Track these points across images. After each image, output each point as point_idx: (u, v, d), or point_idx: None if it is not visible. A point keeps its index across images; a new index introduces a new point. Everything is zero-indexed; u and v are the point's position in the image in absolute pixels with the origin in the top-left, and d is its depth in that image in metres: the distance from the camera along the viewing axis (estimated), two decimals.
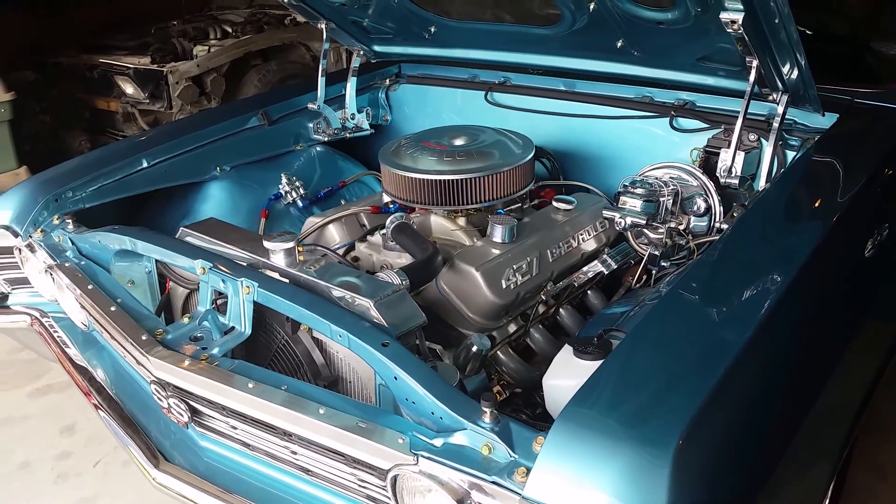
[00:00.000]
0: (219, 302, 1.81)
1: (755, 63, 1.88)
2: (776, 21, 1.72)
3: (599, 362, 1.44)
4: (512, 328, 2.06)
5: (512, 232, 2.06)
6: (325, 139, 2.92)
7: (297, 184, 2.72)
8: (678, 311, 1.43)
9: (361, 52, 2.95)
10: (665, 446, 1.09)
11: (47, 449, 2.90)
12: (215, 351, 1.64)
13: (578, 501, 1.10)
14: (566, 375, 1.47)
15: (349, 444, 1.37)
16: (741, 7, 1.66)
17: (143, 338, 1.68)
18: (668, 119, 2.42)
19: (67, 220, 2.18)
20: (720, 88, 2.22)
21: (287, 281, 1.72)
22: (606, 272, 2.24)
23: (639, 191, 2.07)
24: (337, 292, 1.66)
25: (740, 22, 1.69)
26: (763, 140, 2.23)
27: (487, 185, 2.14)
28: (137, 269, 2.09)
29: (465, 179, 2.13)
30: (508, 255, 2.02)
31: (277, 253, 1.79)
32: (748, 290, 1.46)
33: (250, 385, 1.50)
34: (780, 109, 2.02)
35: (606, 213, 2.11)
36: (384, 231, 2.19)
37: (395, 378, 1.40)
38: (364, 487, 1.47)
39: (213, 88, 5.18)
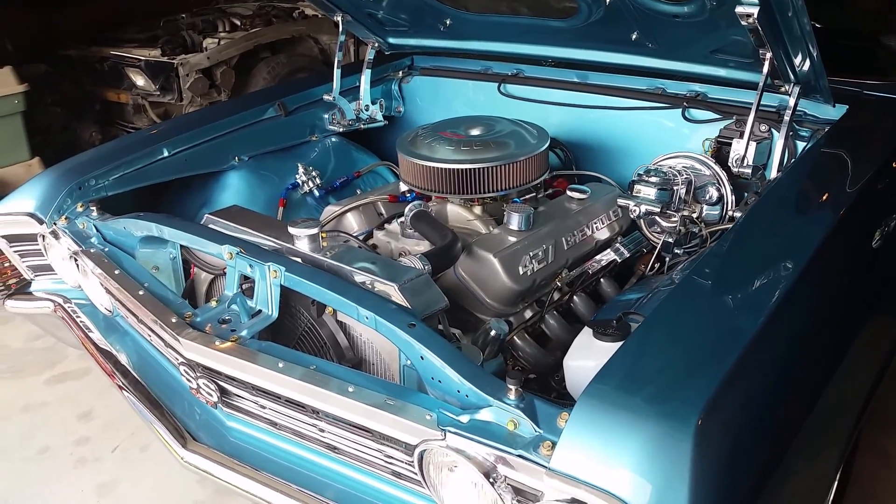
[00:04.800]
0: (244, 286, 1.86)
1: (768, 55, 1.92)
2: (790, 14, 1.76)
3: (619, 344, 1.49)
4: (528, 314, 2.11)
5: (528, 220, 2.10)
6: (340, 130, 2.97)
7: (314, 173, 2.77)
8: (695, 296, 1.47)
9: (376, 44, 2.98)
10: (686, 422, 1.14)
11: (66, 435, 2.95)
12: (244, 333, 1.69)
13: (602, 474, 1.14)
14: (587, 356, 1.52)
15: (378, 421, 1.41)
16: (756, 1, 1.70)
17: (173, 320, 1.73)
18: (680, 110, 2.46)
19: (92, 208, 2.22)
20: (732, 80, 2.26)
21: (318, 265, 1.76)
22: (619, 260, 2.29)
23: (653, 179, 2.12)
24: (361, 276, 1.70)
25: (755, 15, 1.73)
26: (774, 131, 2.27)
27: (503, 175, 2.19)
28: (162, 256, 2.13)
29: (482, 168, 2.17)
30: (525, 243, 2.07)
31: (302, 239, 1.83)
32: (761, 276, 1.50)
33: (280, 365, 1.55)
34: (792, 101, 2.06)
35: (621, 202, 2.15)
36: (402, 219, 2.24)
37: (422, 358, 1.45)
38: (390, 463, 1.52)
39: (222, 80, 5.21)
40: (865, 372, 1.66)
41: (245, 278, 1.82)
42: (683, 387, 1.21)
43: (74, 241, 2.17)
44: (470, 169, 2.17)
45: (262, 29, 5.50)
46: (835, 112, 2.22)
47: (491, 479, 1.30)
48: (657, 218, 2.26)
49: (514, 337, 2.04)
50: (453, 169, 2.18)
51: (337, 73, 2.88)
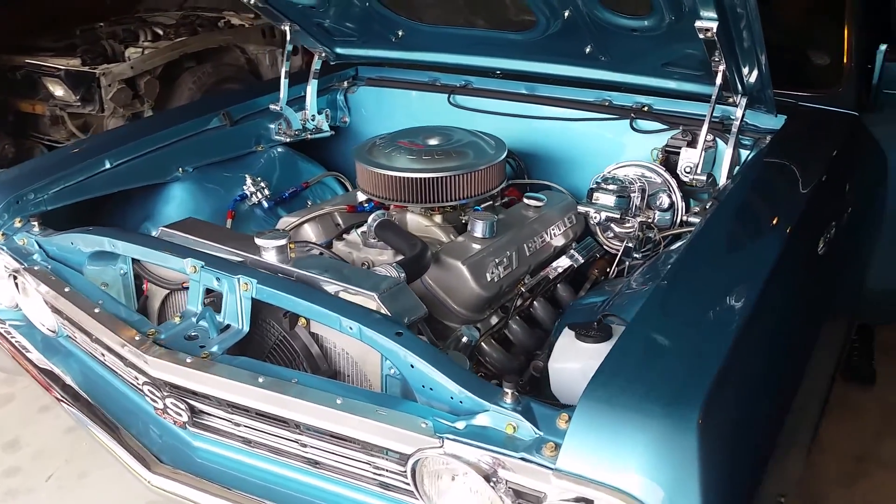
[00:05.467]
0: (206, 301, 1.79)
1: (721, 67, 2.01)
2: (744, 27, 1.85)
3: (602, 345, 1.52)
4: (494, 320, 2.12)
5: (492, 227, 2.12)
6: (287, 140, 2.91)
7: (262, 184, 2.70)
8: (676, 296, 1.51)
9: (323, 54, 2.95)
10: (689, 418, 1.17)
11: None
12: (214, 349, 1.62)
13: (611, 472, 1.16)
14: (571, 359, 1.54)
15: (371, 432, 1.39)
16: (715, 16, 1.78)
17: (136, 338, 1.65)
18: (628, 121, 2.54)
19: (33, 223, 2.10)
20: (681, 92, 2.35)
21: (287, 277, 1.71)
22: (575, 266, 2.34)
23: (611, 187, 2.17)
24: (336, 287, 1.67)
25: (714, 29, 1.81)
26: (718, 140, 2.38)
27: (464, 183, 2.20)
28: (111, 272, 2.03)
29: (443, 178, 2.17)
30: (490, 250, 2.09)
31: (269, 250, 1.79)
32: (735, 277, 1.56)
33: (260, 380, 1.50)
34: (739, 112, 2.16)
35: (581, 209, 2.20)
36: (363, 229, 2.21)
37: (412, 366, 1.43)
38: (379, 475, 1.49)
39: (146, 91, 5.03)
40: (826, 369, 1.75)
41: (208, 292, 1.75)
42: (682, 384, 1.24)
43: (14, 258, 2.04)
44: (431, 178, 2.17)
45: (188, 38, 5.35)
46: (775, 122, 2.34)
47: (492, 484, 1.29)
48: (613, 225, 2.32)
49: (482, 343, 2.04)
50: (414, 178, 2.18)
51: (284, 82, 2.83)
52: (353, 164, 3.08)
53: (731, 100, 2.19)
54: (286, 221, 2.33)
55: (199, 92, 5.34)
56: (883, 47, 2.32)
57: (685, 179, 2.28)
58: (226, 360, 1.59)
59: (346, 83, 3.19)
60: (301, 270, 1.73)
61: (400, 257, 2.12)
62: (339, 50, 2.97)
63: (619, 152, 2.57)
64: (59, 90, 4.80)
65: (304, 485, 1.63)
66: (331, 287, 1.68)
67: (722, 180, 2.19)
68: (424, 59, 2.88)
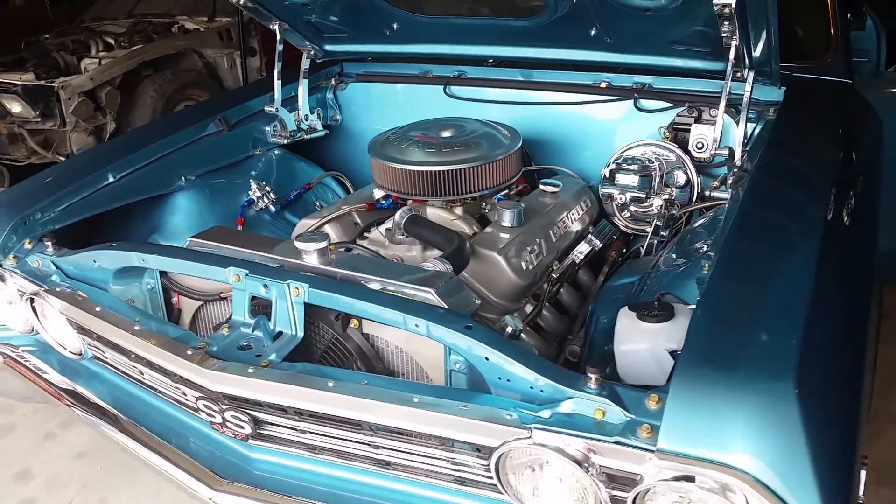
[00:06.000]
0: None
1: (734, 43, 2.04)
2: (762, 2, 1.88)
3: (666, 324, 1.54)
4: (529, 308, 2.12)
5: (520, 216, 2.12)
6: (283, 142, 2.85)
7: (267, 188, 2.65)
8: (738, 267, 1.53)
9: (311, 52, 2.90)
10: (787, 387, 1.19)
11: (5, 500, 2.64)
12: (272, 357, 1.59)
13: (714, 448, 1.17)
14: (637, 340, 1.56)
15: (455, 428, 1.38)
16: None
17: (189, 353, 1.60)
18: (631, 101, 2.57)
19: (46, 243, 2.01)
20: (686, 69, 2.39)
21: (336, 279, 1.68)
22: (595, 249, 2.36)
23: (633, 167, 2.19)
24: (389, 286, 1.65)
25: (733, 4, 1.83)
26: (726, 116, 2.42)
27: (484, 174, 2.19)
28: (136, 288, 1.97)
29: (464, 169, 2.16)
30: (521, 238, 2.09)
31: (311, 253, 1.75)
32: (789, 248, 1.59)
33: (331, 384, 1.47)
34: (748, 85, 2.20)
35: (605, 190, 2.22)
36: (387, 225, 2.19)
37: (487, 359, 1.42)
38: (456, 470, 1.48)
39: (108, 102, 4.87)
40: (872, 333, 1.79)
41: (254, 298, 1.71)
42: (771, 355, 1.26)
43: (30, 280, 1.96)
44: (452, 170, 2.16)
45: (146, 45, 5.20)
46: (775, 94, 2.40)
47: (586, 470, 1.29)
48: (632, 206, 2.35)
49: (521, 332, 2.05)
50: (435, 171, 2.16)
51: (277, 84, 2.77)
52: (349, 163, 3.11)
53: (738, 74, 2.23)
54: (305, 224, 2.29)
55: (161, 100, 5.20)
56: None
57: (698, 156, 2.33)
58: (287, 367, 1.56)
59: (333, 81, 3.14)
60: (348, 271, 1.70)
61: (430, 252, 2.11)
62: (328, 47, 2.92)
63: (624, 133, 2.60)
64: (16, 107, 4.60)
65: (373, 487, 1.61)
66: (382, 286, 1.66)
67: (738, 154, 2.23)
68: (418, 51, 2.86)
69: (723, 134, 2.38)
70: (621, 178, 2.20)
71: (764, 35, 2.05)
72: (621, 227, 2.47)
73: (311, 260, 1.76)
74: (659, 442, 1.21)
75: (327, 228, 2.27)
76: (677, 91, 2.53)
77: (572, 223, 2.34)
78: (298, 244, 1.75)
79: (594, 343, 1.98)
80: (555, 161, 2.72)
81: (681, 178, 2.31)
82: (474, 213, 2.31)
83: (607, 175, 2.35)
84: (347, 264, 1.74)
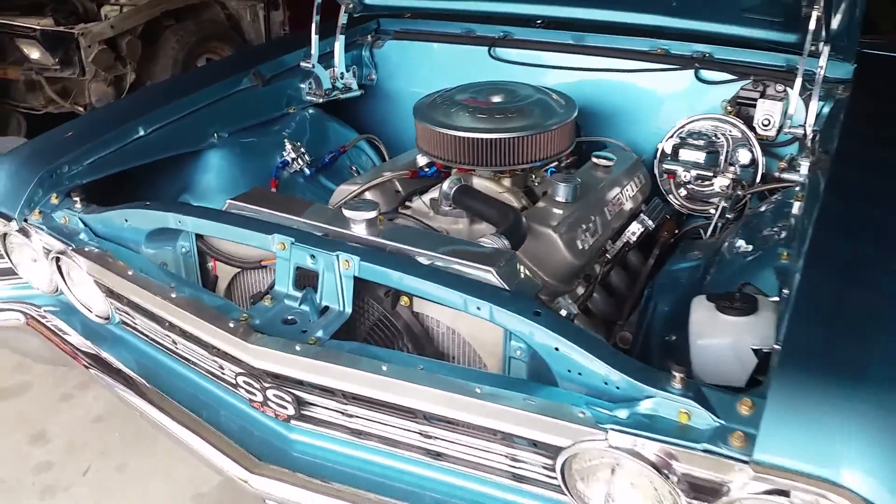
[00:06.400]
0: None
1: (816, 13, 1.88)
2: None
3: (750, 317, 1.42)
4: (580, 290, 2.00)
5: (576, 191, 1.99)
6: (319, 101, 2.71)
7: (302, 150, 2.52)
8: (831, 262, 1.40)
9: (350, 5, 2.74)
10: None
11: (21, 462, 2.56)
12: (319, 333, 1.47)
13: (818, 462, 1.06)
14: (718, 334, 1.43)
15: (521, 424, 1.27)
16: None
17: (231, 325, 1.49)
18: (692, 71, 2.41)
19: (75, 199, 1.89)
20: (755, 40, 2.23)
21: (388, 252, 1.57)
22: (649, 230, 2.23)
23: (699, 142, 2.05)
24: (445, 262, 1.53)
25: None
26: (788, 89, 2.27)
27: (538, 144, 2.05)
28: (169, 251, 1.85)
29: (517, 138, 2.02)
30: (577, 215, 1.96)
31: (359, 223, 1.63)
32: (884, 240, 1.46)
33: (384, 368, 1.36)
34: (823, 61, 2.04)
35: (667, 166, 2.08)
36: (431, 195, 2.07)
37: (556, 349, 1.30)
38: (515, 467, 1.38)
39: (129, 52, 4.71)
40: None
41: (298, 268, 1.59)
42: (882, 361, 1.14)
43: (58, 238, 1.84)
44: (503, 139, 2.02)
45: None
46: (843, 71, 2.24)
47: (665, 477, 1.19)
48: (690, 185, 2.21)
49: None
50: (486, 139, 2.02)
51: (315, 37, 2.62)
52: (384, 125, 2.97)
53: (812, 48, 2.07)
54: (345, 190, 2.16)
55: (183, 52, 5.03)
56: None
57: (763, 133, 2.19)
58: (335, 345, 1.45)
59: (369, 37, 2.99)
60: (400, 244, 1.58)
61: (477, 226, 1.99)
62: (368, 0, 2.76)
63: (681, 105, 2.46)
64: (34, 52, 4.44)
65: (420, 477, 1.50)
66: (438, 263, 1.54)
67: (808, 131, 2.08)
68: (461, 7, 2.70)
69: (787, 110, 2.24)
70: (686, 154, 2.06)
71: (845, 5, 1.89)
72: (675, 206, 2.34)
73: (360, 230, 1.64)
74: (756, 452, 1.10)
75: (368, 195, 2.14)
76: (741, 63, 2.38)
77: (626, 200, 2.21)
78: (347, 212, 1.63)
79: (651, 331, 1.87)
80: (605, 132, 2.57)
81: (745, 156, 2.17)
82: (521, 185, 2.18)
83: (667, 150, 2.21)
84: (398, 236, 1.62)
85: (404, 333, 1.59)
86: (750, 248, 1.78)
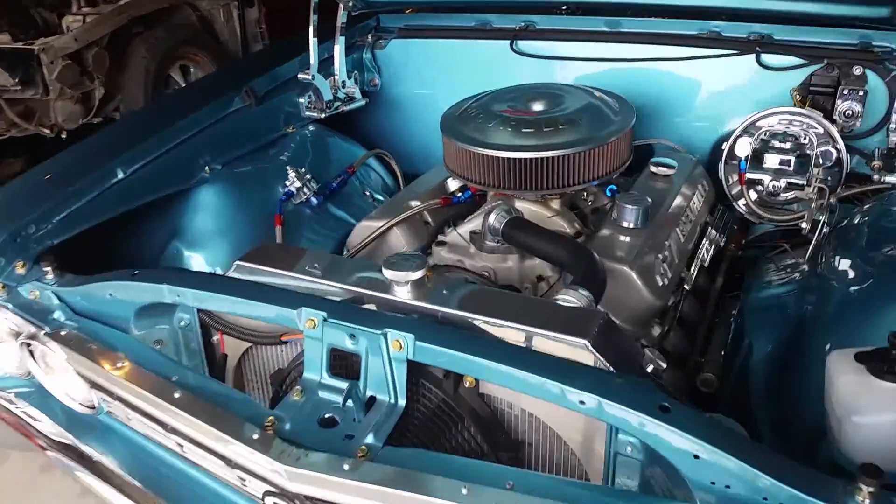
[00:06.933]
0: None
1: None
2: None
3: None
4: (656, 330, 1.69)
5: (647, 214, 1.67)
6: (321, 116, 2.36)
7: (308, 177, 2.18)
8: None
9: (350, 3, 2.39)
10: None
11: None
12: (369, 440, 1.15)
13: None
14: (883, 408, 1.12)
15: None
16: None
17: (255, 436, 1.16)
18: (752, 56, 2.09)
19: (45, 268, 1.55)
20: (829, 17, 1.91)
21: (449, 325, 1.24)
22: (720, 247, 1.93)
23: (786, 145, 1.73)
24: (522, 332, 1.21)
25: None
26: (869, 72, 1.96)
27: (594, 160, 1.72)
28: (165, 327, 1.52)
29: (570, 155, 1.69)
30: (651, 243, 1.64)
31: (403, 285, 1.31)
32: None
33: (464, 490, 1.04)
34: None
35: (752, 176, 1.76)
36: (470, 227, 1.75)
37: (696, 456, 0.99)
38: None
39: (95, 65, 4.32)
40: None
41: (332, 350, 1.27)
42: None
43: (27, 319, 1.51)
44: (553, 157, 1.69)
45: None
46: None
47: None
48: (770, 191, 1.89)
49: None
50: (532, 158, 1.69)
51: (313, 42, 2.26)
52: (391, 137, 2.63)
53: None
54: (367, 227, 1.83)
55: (154, 61, 4.64)
56: None
57: (845, 125, 1.88)
58: (392, 455, 1.13)
59: (369, 37, 2.64)
60: (459, 311, 1.26)
61: (530, 261, 1.67)
62: None
63: (741, 96, 2.15)
64: None
65: None
66: (513, 334, 1.22)
67: None
68: None
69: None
70: (771, 159, 1.74)
71: None
72: (744, 214, 2.02)
73: (404, 294, 1.31)
74: None
75: (398, 231, 1.81)
76: (808, 44, 2.06)
77: (695, 216, 1.89)
78: (388, 273, 1.30)
79: (748, 376, 1.57)
80: (650, 132, 2.25)
81: (830, 155, 1.85)
82: (574, 206, 1.86)
83: (738, 151, 1.89)
84: (454, 299, 1.30)
85: (470, 420, 1.27)
86: (864, 270, 1.48)
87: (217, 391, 1.28)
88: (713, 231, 1.93)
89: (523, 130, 1.73)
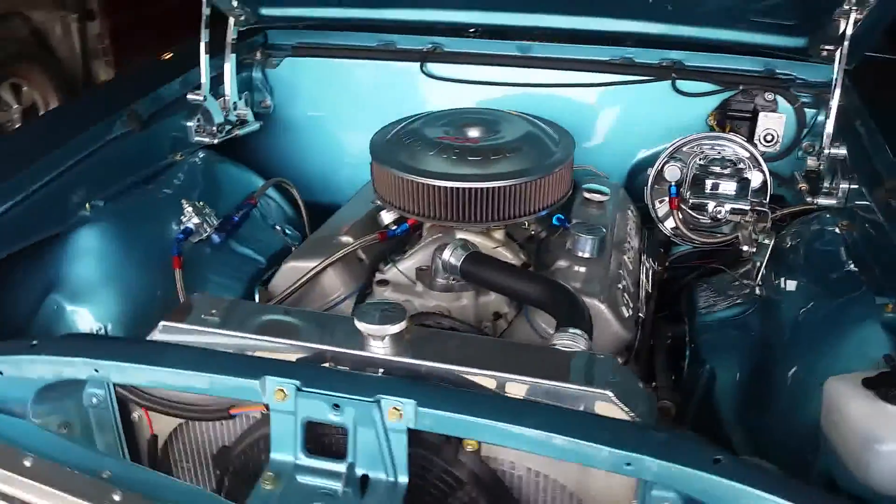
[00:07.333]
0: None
1: (854, 16, 1.63)
2: None
3: None
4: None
5: (602, 243, 1.60)
6: (212, 142, 2.10)
7: (206, 211, 1.91)
8: None
9: (241, 17, 2.15)
10: None
11: None
12: None
13: None
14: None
15: None
16: None
17: None
18: (668, 82, 2.10)
19: None
20: (751, 45, 1.96)
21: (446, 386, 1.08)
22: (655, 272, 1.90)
23: (727, 171, 1.74)
24: (529, 386, 1.08)
25: None
26: (779, 98, 2.04)
27: (541, 190, 1.63)
28: (71, 405, 1.22)
29: (518, 185, 1.58)
30: (610, 274, 1.57)
31: (378, 340, 1.13)
32: None
33: None
34: (838, 65, 1.79)
35: (695, 201, 1.75)
36: (416, 264, 1.60)
37: None
38: None
39: None
40: None
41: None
42: None
43: None
44: (502, 187, 1.58)
45: None
46: (821, 73, 2.04)
47: None
48: (696, 214, 1.90)
49: None
50: (478, 189, 1.57)
51: (205, 59, 2.01)
52: (286, 162, 2.42)
53: (824, 52, 1.84)
54: (296, 269, 1.61)
55: None
56: None
57: (764, 150, 1.93)
58: None
59: (258, 54, 2.41)
60: (453, 367, 1.11)
61: (485, 298, 1.55)
62: (263, 10, 2.19)
63: (656, 122, 2.16)
64: None
65: None
66: (518, 389, 1.08)
67: (826, 143, 1.83)
68: (378, 16, 2.23)
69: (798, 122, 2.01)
70: (712, 184, 1.74)
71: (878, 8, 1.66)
72: (670, 238, 2.02)
73: (380, 349, 1.14)
74: None
75: (332, 272, 1.62)
76: (719, 70, 2.11)
77: (633, 242, 1.85)
78: (361, 326, 1.12)
79: (714, 405, 1.54)
80: None
81: (757, 178, 1.89)
82: (518, 237, 1.76)
83: (667, 175, 1.88)
84: (441, 351, 1.14)
85: (474, 488, 1.11)
86: (808, 293, 1.51)
87: (170, 487, 1.03)
88: (648, 258, 1.90)
89: (469, 158, 1.61)
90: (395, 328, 1.12)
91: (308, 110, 2.41)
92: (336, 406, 1.02)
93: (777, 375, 1.47)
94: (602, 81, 2.16)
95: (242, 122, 2.23)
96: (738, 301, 1.69)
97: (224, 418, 1.19)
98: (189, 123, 2.06)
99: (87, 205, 1.72)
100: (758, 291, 1.66)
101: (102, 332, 1.62)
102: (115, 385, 1.21)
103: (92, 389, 1.22)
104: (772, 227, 1.79)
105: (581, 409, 1.05)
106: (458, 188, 1.57)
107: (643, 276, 1.82)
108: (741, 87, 2.04)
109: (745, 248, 1.71)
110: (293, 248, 2.05)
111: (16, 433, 1.11)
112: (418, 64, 2.26)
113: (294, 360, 1.17)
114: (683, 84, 2.11)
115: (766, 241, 1.65)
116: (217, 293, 1.83)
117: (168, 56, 2.29)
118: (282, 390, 1.03)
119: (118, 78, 3.88)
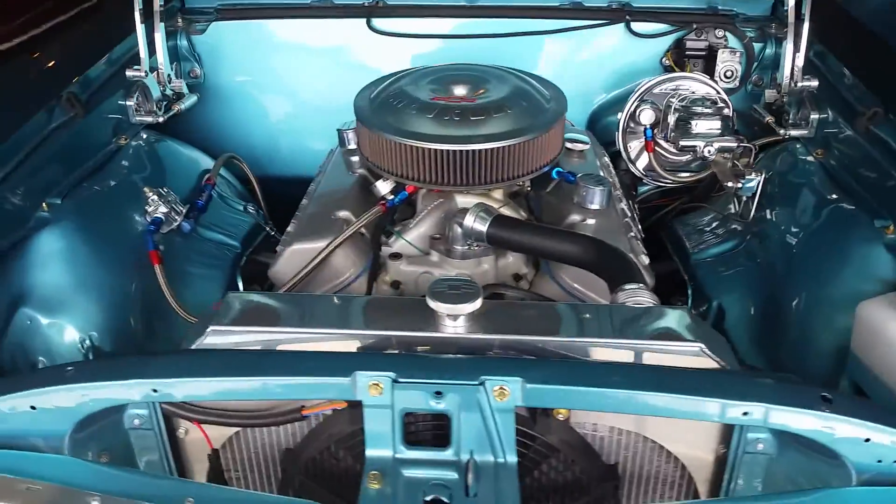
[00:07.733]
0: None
1: None
2: None
3: None
4: None
5: (610, 194, 1.60)
6: (156, 121, 1.92)
7: (171, 197, 1.75)
8: None
9: None
10: None
11: None
12: None
13: None
14: None
15: None
16: None
17: None
18: (622, 25, 2.11)
19: None
20: None
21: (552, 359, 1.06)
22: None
23: (708, 110, 1.77)
24: (628, 349, 1.07)
25: None
26: (729, 34, 2.11)
27: (540, 148, 1.59)
28: (112, 428, 1.10)
29: (521, 144, 1.54)
30: (623, 222, 1.59)
31: (456, 319, 1.09)
32: None
33: None
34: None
35: (685, 143, 1.77)
36: (423, 229, 1.55)
37: (867, 440, 0.95)
38: None
39: None
40: None
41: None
42: None
43: None
44: (506, 147, 1.53)
45: None
46: (763, 6, 2.12)
47: None
48: (668, 153, 1.94)
49: None
50: (482, 150, 1.52)
51: (141, 28, 1.82)
52: (223, 134, 2.28)
53: None
54: (303, 250, 1.51)
55: None
56: None
57: (725, 86, 2.00)
58: None
59: (179, 20, 2.20)
60: (528, 336, 1.08)
61: (504, 261, 1.53)
62: None
63: (612, 65, 2.17)
64: None
65: None
66: (609, 353, 1.07)
67: (786, 77, 1.91)
68: None
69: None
70: (698, 125, 1.77)
71: None
72: (643, 178, 2.05)
73: (457, 328, 1.09)
74: None
75: (341, 253, 1.53)
76: (669, 10, 2.14)
77: (619, 187, 1.86)
78: (438, 306, 1.07)
79: (726, 333, 1.60)
80: None
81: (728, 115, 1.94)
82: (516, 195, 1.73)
83: (642, 118, 1.90)
84: (521, 324, 1.11)
85: (565, 452, 1.11)
86: (803, 221, 1.59)
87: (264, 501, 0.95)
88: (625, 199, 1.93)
89: (471, 119, 1.55)
90: (474, 305, 1.08)
91: (241, 78, 2.25)
92: (438, 394, 0.97)
93: (784, 305, 1.55)
94: (558, 28, 2.13)
95: (180, 96, 2.05)
96: (728, 236, 1.75)
97: (296, 420, 1.10)
98: (129, 103, 1.86)
99: (43, 204, 1.52)
100: (740, 226, 1.73)
101: (88, 343, 1.46)
102: (161, 404, 1.10)
103: (134, 410, 1.10)
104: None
105: (675, 364, 1.06)
106: (465, 150, 1.50)
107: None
108: (695, 26, 2.07)
109: (730, 183, 1.76)
110: (267, 228, 1.93)
111: (69, 475, 0.98)
112: (364, 20, 2.14)
113: (359, 348, 1.10)
114: (638, 26, 2.13)
115: (754, 176, 1.71)
116: (198, 284, 1.70)
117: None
118: (377, 384, 0.97)
119: (29, 58, 3.44)
